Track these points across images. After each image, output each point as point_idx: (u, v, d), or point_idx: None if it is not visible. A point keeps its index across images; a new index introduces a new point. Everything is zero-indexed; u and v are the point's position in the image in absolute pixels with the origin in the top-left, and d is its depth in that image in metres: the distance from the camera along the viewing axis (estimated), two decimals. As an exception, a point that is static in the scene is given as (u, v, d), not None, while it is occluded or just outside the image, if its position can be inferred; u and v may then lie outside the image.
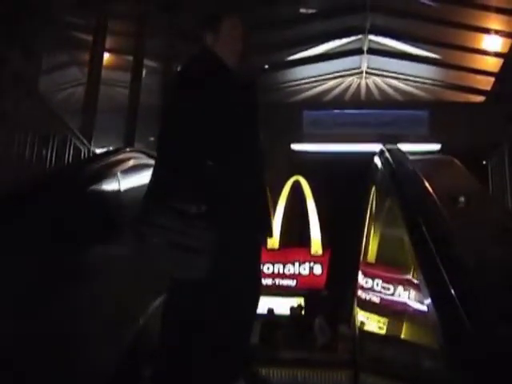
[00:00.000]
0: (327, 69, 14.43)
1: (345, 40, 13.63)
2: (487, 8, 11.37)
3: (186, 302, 2.26)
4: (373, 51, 13.94)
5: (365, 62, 14.44)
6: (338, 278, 10.90)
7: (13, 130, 5.01)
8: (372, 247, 4.45)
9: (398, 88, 14.55)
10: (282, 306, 11.20)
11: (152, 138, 9.25)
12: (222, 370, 2.25)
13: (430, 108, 13.44)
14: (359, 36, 13.54)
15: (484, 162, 7.91)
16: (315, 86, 14.81)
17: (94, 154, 6.85)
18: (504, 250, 2.07)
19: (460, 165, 3.37)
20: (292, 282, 13.02)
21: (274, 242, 12.51)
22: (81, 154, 6.48)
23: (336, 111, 13.95)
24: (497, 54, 12.58)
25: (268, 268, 12.74)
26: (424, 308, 1.90)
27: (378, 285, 4.04)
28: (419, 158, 3.77)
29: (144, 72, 10.89)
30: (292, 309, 10.89)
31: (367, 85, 14.93)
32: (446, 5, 11.77)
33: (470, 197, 2.52)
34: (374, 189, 4.50)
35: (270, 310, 10.20)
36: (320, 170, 12.87)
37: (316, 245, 13.23)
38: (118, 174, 3.13)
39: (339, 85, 14.96)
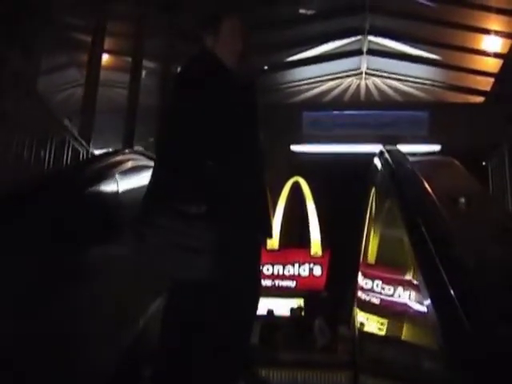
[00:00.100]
0: (327, 70, 14.43)
1: (344, 41, 13.62)
2: (487, 8, 11.36)
3: (186, 302, 2.26)
4: (372, 52, 13.94)
5: (364, 62, 14.44)
6: (338, 279, 10.89)
7: (12, 130, 5.01)
8: (372, 248, 4.44)
9: (397, 89, 14.54)
10: (281, 307, 11.19)
11: (152, 139, 9.25)
12: (221, 370, 2.25)
13: (429, 109, 13.43)
14: (359, 37, 13.54)
15: (484, 163, 7.92)
16: (315, 87, 14.80)
17: (93, 155, 6.85)
18: (504, 250, 2.07)
19: (460, 166, 3.36)
20: (292, 283, 13.01)
21: (273, 242, 12.49)
22: (79, 155, 6.48)
23: (335, 112, 13.93)
24: (496, 55, 12.57)
25: (268, 269, 12.73)
26: (424, 309, 1.90)
27: (377, 286, 4.04)
28: (419, 158, 3.77)
29: (144, 73, 10.90)
30: (292, 310, 10.89)
31: (367, 86, 14.93)
32: (445, 5, 11.77)
33: (470, 198, 2.52)
34: (373, 190, 4.50)
35: (270, 311, 10.20)
36: (319, 170, 12.86)
37: (316, 246, 13.22)
38: (117, 175, 3.13)
39: (339, 86, 14.95)
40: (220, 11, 2.60)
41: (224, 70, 2.45)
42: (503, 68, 12.48)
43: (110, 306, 2.79)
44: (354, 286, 4.99)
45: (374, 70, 14.65)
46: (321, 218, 13.36)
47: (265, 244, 2.54)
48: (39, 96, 6.15)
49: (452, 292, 1.66)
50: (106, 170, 3.08)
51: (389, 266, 3.93)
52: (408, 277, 2.80)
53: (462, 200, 2.47)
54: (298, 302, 11.88)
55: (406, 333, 2.94)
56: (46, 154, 5.46)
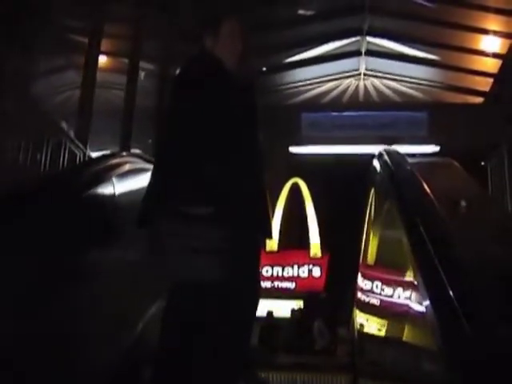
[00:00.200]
0: (325, 71, 14.42)
1: (343, 42, 13.62)
2: (485, 9, 11.35)
3: (186, 302, 2.26)
4: (371, 53, 13.93)
5: (363, 63, 14.43)
6: (337, 281, 10.90)
7: (8, 131, 4.99)
8: (371, 249, 4.44)
9: (396, 89, 14.54)
10: (281, 308, 11.18)
11: (150, 141, 9.24)
12: (221, 370, 2.25)
13: (428, 109, 13.43)
14: (357, 38, 13.53)
15: (483, 164, 7.92)
16: (313, 88, 14.79)
17: (90, 157, 6.84)
18: (503, 250, 2.07)
19: (459, 167, 3.36)
20: (291, 285, 13.00)
21: (272, 244, 12.50)
22: (76, 157, 6.46)
23: (334, 113, 13.94)
24: (495, 55, 12.56)
25: (267, 271, 12.71)
26: (423, 309, 1.90)
27: (377, 287, 4.04)
28: (418, 160, 3.77)
29: (143, 74, 10.88)
30: (293, 311, 10.87)
31: (365, 86, 14.92)
32: (444, 6, 11.77)
33: (469, 199, 2.52)
34: (372, 191, 4.50)
35: (269, 313, 10.18)
36: (319, 172, 12.84)
37: (315, 247, 13.21)
38: (113, 178, 3.12)
39: (337, 87, 14.94)
40: (220, 13, 2.60)
41: (223, 71, 2.46)
42: (502, 68, 12.47)
43: (109, 306, 2.79)
44: (354, 287, 4.98)
45: (372, 70, 14.64)
46: (320, 219, 13.35)
47: (264, 245, 2.54)
48: (37, 97, 6.14)
49: (451, 293, 1.66)
50: (103, 173, 3.07)
51: (388, 267, 3.93)
52: (407, 278, 2.80)
53: (461, 201, 2.47)
54: (297, 304, 11.86)
55: (405, 334, 2.94)
56: (43, 157, 5.44)
